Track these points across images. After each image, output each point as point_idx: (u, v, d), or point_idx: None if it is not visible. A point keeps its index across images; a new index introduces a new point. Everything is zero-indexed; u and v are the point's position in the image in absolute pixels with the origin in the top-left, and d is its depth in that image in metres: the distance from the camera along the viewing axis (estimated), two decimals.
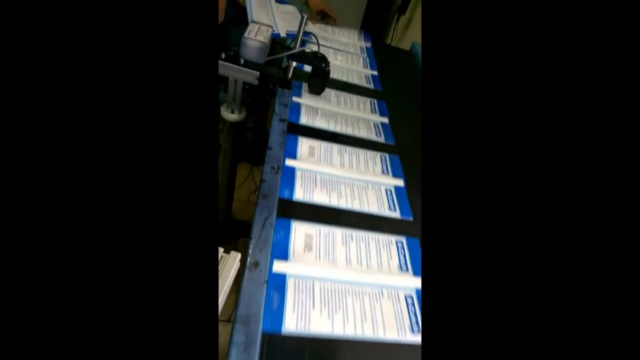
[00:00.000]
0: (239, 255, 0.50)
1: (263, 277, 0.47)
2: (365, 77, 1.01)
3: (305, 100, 0.83)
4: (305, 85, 0.86)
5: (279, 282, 0.48)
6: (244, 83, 0.80)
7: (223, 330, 0.98)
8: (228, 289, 0.49)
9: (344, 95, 0.89)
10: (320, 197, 0.61)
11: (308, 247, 0.54)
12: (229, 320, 1.01)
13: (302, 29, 0.81)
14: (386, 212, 0.63)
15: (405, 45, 1.43)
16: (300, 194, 0.61)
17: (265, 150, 0.64)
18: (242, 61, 0.76)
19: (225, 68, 0.76)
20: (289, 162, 0.65)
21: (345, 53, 1.08)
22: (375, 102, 0.91)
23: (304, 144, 0.71)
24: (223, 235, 1.21)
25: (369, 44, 1.20)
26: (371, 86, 0.98)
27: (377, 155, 0.74)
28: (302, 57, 0.82)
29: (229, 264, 0.49)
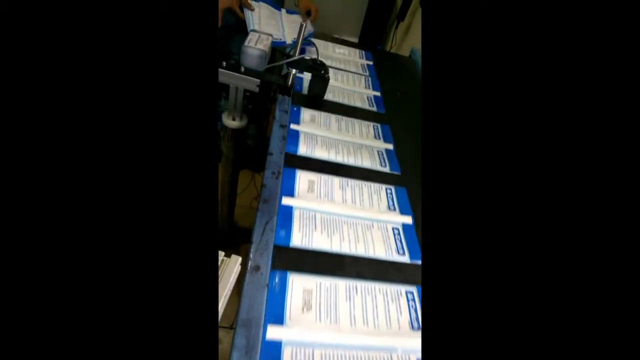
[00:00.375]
0: (240, 258, 0.50)
1: (264, 280, 0.46)
2: (368, 98, 0.94)
3: (304, 127, 0.76)
4: (303, 114, 0.80)
5: (273, 353, 0.42)
6: (245, 90, 0.80)
7: (226, 337, 0.94)
8: (229, 292, 0.48)
9: (345, 120, 0.82)
10: (320, 242, 0.55)
11: (307, 305, 0.47)
12: (231, 327, 0.95)
13: (301, 37, 0.80)
14: (394, 256, 0.57)
15: (405, 51, 1.39)
16: (298, 239, 0.54)
17: (266, 156, 0.65)
18: (242, 69, 0.76)
19: (226, 76, 0.76)
20: (285, 201, 0.59)
21: (346, 73, 1.02)
22: (379, 126, 0.84)
23: (303, 179, 0.64)
24: (225, 241, 1.22)
25: (370, 62, 1.13)
26: (374, 109, 0.91)
27: (382, 189, 0.67)
28: (301, 64, 0.81)
29: (230, 268, 0.48)
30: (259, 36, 0.79)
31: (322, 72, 0.80)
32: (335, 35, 1.23)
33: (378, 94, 0.97)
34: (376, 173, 0.71)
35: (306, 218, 0.57)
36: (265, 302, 0.44)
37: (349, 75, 1.01)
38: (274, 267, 0.50)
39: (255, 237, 0.51)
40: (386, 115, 0.89)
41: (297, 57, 0.80)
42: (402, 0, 1.68)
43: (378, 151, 0.77)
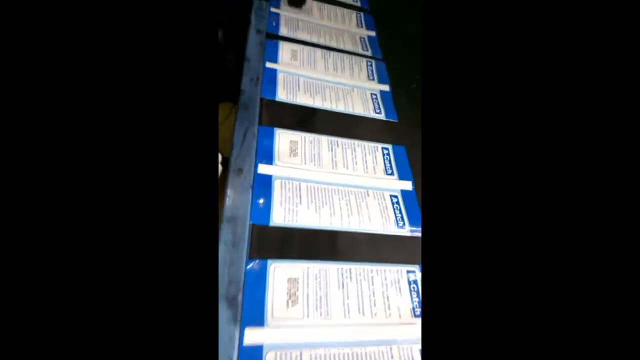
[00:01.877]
0: (220, 156, 0.51)
1: (247, 182, 0.47)
2: (361, 39, 0.75)
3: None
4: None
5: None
6: None
7: None
8: None
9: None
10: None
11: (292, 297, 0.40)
12: None
13: None
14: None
15: None
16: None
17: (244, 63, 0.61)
18: None
19: None
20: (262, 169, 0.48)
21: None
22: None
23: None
24: None
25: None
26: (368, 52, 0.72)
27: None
28: None
29: None
30: None
31: None
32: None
33: (373, 33, 0.78)
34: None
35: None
36: (250, 202, 0.45)
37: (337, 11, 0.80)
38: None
39: (236, 143, 0.50)
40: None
41: None
42: None
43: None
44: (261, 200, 0.45)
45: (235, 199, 0.45)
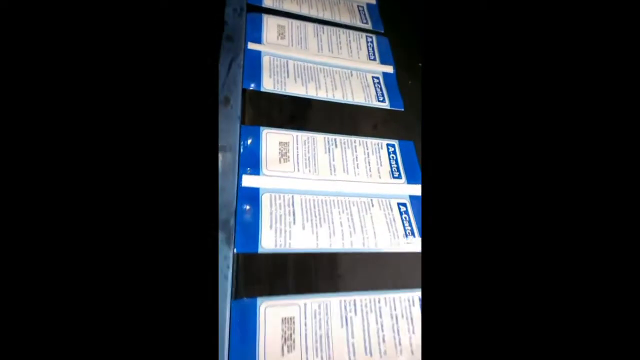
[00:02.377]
0: None
1: (235, 113, 0.44)
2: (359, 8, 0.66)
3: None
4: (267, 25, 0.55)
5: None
6: None
7: None
8: None
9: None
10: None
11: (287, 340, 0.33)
12: None
13: None
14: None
15: None
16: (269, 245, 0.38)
17: None
18: None
19: None
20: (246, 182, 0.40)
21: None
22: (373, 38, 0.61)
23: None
24: None
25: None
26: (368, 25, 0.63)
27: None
28: None
29: None
30: None
31: None
32: None
33: (373, 1, 0.67)
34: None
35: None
36: (238, 131, 0.43)
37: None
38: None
39: (221, 74, 0.47)
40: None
41: None
42: None
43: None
44: (247, 220, 0.38)
45: (223, 129, 0.43)
